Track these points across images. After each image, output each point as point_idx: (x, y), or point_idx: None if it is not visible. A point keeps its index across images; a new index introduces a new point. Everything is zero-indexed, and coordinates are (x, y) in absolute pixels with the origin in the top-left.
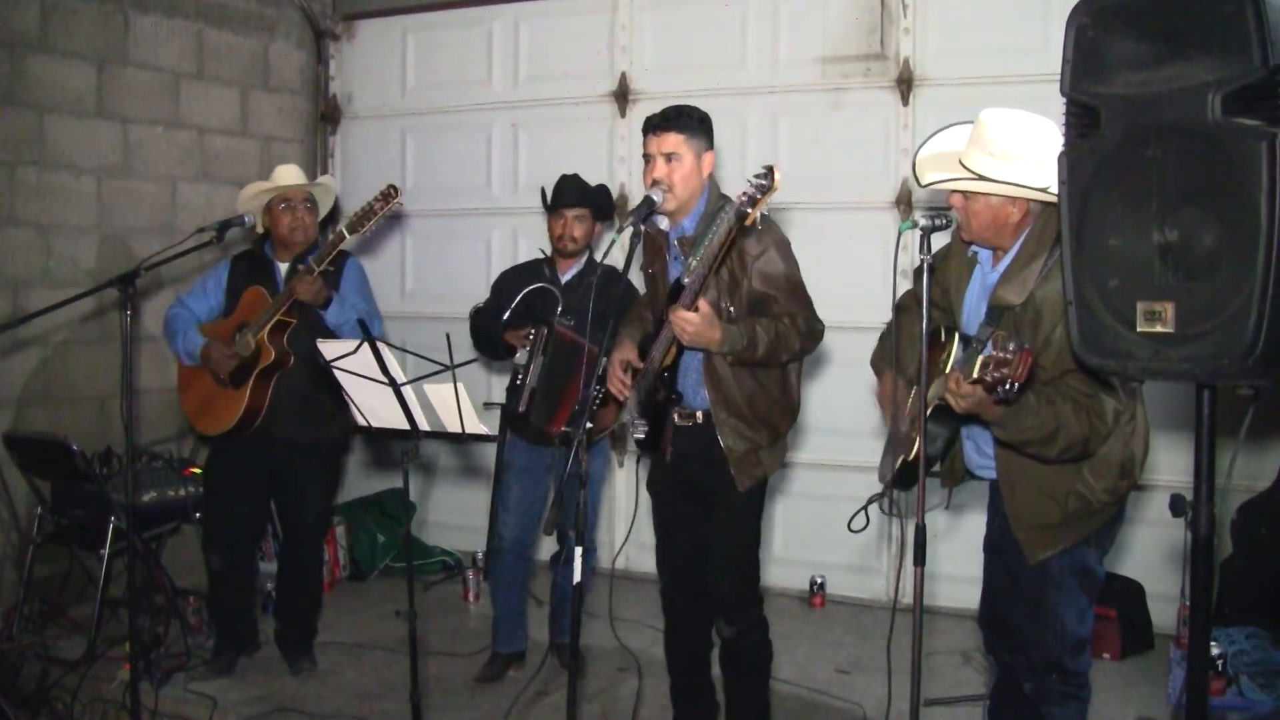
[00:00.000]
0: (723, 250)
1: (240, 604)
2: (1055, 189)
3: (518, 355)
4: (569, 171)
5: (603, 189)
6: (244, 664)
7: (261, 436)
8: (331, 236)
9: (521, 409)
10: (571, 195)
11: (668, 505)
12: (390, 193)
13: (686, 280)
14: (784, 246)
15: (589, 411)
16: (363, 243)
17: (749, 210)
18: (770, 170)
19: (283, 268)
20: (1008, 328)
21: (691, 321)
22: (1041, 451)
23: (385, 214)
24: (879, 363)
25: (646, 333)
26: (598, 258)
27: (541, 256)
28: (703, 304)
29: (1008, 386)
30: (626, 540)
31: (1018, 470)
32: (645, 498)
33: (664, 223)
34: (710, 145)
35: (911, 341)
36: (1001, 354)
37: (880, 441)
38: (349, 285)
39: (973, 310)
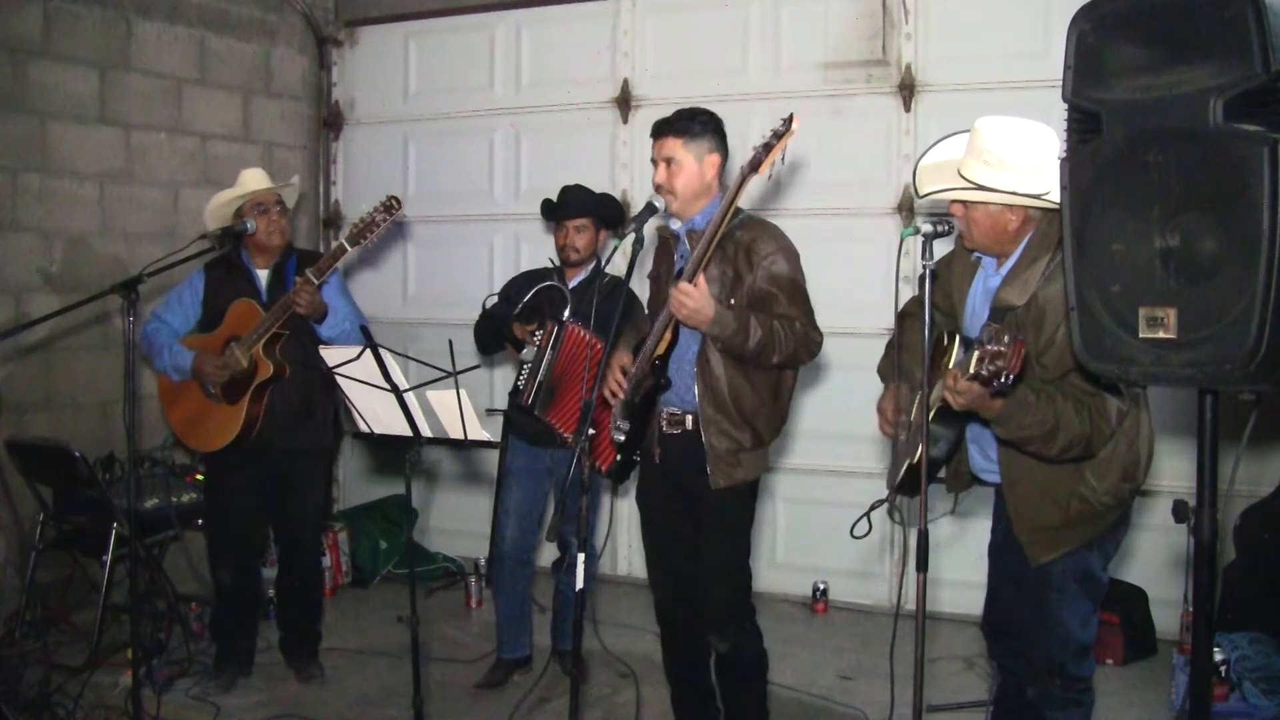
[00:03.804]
0: (732, 201)
1: (246, 618)
2: (1052, 195)
3: (524, 351)
4: (571, 177)
5: (607, 198)
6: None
7: (258, 447)
8: (333, 248)
9: (528, 400)
10: (570, 207)
11: (657, 518)
12: (392, 204)
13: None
14: (793, 256)
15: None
16: (363, 250)
17: (763, 157)
18: (790, 117)
19: (262, 274)
20: (1010, 328)
21: (689, 294)
22: (1043, 450)
23: (388, 226)
24: (885, 373)
25: (641, 339)
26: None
27: (551, 265)
28: (700, 279)
29: (1003, 379)
30: (604, 547)
31: (1020, 472)
32: (624, 507)
33: (675, 223)
34: (716, 148)
35: (915, 349)
36: (995, 347)
37: (883, 447)
38: (334, 291)
39: (975, 313)
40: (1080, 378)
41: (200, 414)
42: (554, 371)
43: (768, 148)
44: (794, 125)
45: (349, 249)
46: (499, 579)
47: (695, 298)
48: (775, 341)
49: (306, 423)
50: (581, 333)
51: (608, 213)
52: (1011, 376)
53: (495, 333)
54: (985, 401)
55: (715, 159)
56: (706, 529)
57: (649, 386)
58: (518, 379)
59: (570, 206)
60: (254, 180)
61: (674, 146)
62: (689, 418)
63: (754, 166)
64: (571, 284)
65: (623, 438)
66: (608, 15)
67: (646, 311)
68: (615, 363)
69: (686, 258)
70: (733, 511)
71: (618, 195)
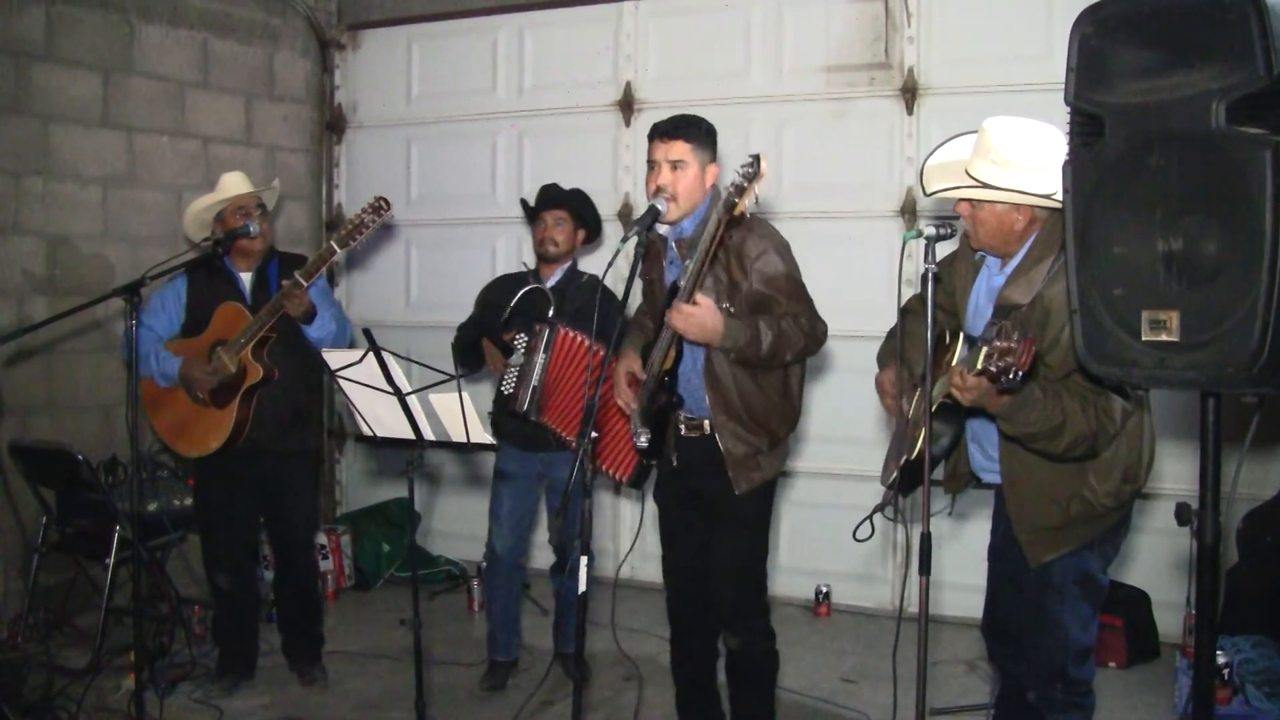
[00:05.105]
0: (714, 243)
1: (247, 622)
2: (1059, 195)
3: (513, 356)
4: (573, 180)
5: (578, 192)
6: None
7: (248, 450)
8: (321, 250)
9: (522, 406)
10: (548, 198)
11: (673, 514)
12: (380, 205)
13: (683, 282)
14: (784, 249)
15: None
16: (361, 252)
17: (737, 200)
18: (757, 158)
19: (245, 278)
20: (1017, 326)
21: (693, 314)
22: (1048, 447)
23: (376, 227)
24: (884, 356)
25: (648, 340)
26: (600, 267)
27: (525, 269)
28: (700, 297)
29: (1011, 375)
30: (631, 550)
31: (1021, 471)
32: (650, 507)
33: (664, 229)
34: (714, 158)
35: (915, 343)
36: (1005, 343)
37: (885, 449)
38: (318, 292)
39: (978, 312)
40: (1084, 377)
41: (188, 419)
42: (548, 375)
43: (740, 190)
44: (763, 167)
45: (338, 251)
46: (493, 583)
47: (700, 315)
48: (785, 341)
49: (295, 425)
50: (572, 335)
51: (582, 208)
52: (1021, 373)
53: (475, 345)
54: (991, 397)
55: (714, 169)
56: (720, 527)
57: (662, 403)
58: (501, 383)
59: (548, 198)
60: (234, 185)
61: (684, 150)
62: (706, 423)
63: (729, 210)
64: (549, 283)
65: (645, 444)
66: (610, 18)
67: (636, 312)
68: (623, 369)
69: (676, 264)
70: (748, 510)
71: (620, 198)
